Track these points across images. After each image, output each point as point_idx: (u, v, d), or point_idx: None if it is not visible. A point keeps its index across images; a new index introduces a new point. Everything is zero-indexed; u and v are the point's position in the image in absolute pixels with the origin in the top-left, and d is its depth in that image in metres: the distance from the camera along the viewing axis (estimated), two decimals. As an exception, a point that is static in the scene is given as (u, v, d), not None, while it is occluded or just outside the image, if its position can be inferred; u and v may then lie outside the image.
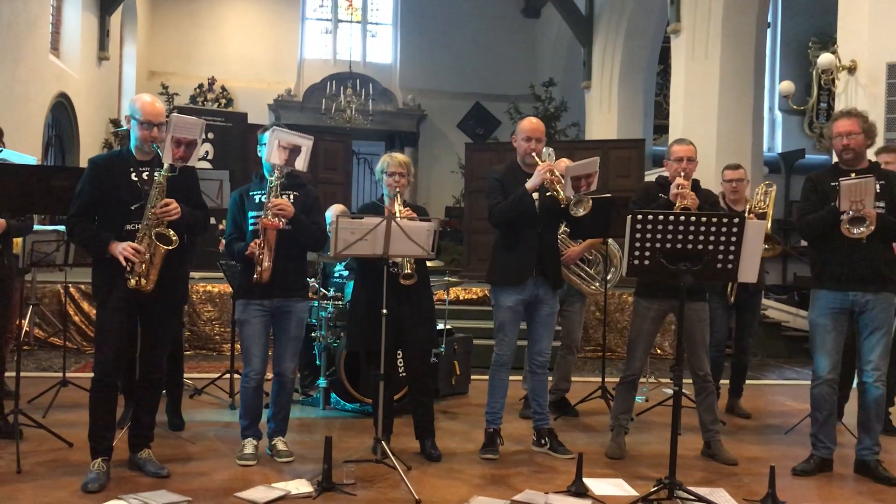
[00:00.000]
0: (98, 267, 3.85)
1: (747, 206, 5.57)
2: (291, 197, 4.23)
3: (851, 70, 7.90)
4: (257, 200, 4.23)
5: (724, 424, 5.36)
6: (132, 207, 3.76)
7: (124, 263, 3.66)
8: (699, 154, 4.74)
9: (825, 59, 8.19)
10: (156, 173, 3.75)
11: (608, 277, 5.78)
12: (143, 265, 3.68)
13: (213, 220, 7.46)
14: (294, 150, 4.11)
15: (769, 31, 13.91)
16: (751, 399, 6.21)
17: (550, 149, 4.51)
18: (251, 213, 4.23)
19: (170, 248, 3.71)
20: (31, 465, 4.02)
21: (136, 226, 3.74)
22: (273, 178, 4.10)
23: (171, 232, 3.72)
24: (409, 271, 4.27)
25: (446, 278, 6.38)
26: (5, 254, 4.37)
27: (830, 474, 4.34)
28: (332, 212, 5.17)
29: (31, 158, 4.78)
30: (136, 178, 3.80)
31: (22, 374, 4.41)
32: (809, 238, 4.43)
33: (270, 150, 4.09)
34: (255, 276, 4.07)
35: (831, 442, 4.37)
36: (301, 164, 4.15)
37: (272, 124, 4.51)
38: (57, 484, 3.75)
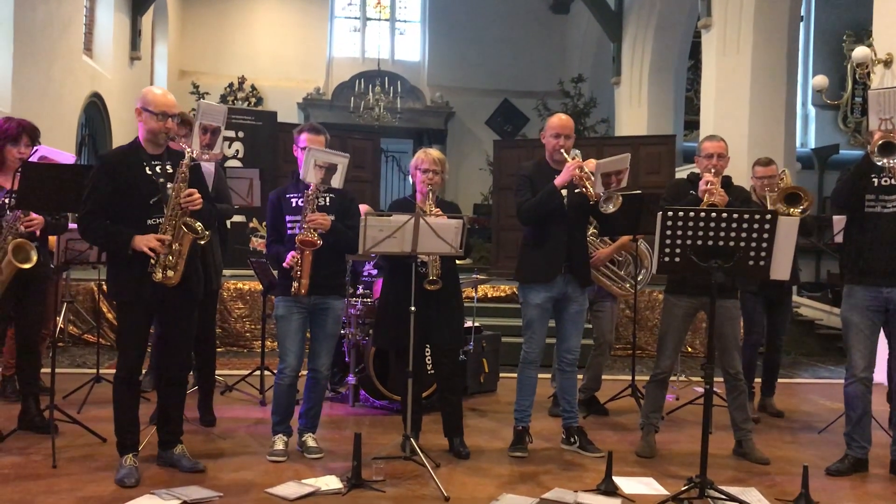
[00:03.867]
0: (116, 266, 3.84)
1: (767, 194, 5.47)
2: (328, 200, 4.25)
3: (888, 63, 7.75)
4: (294, 204, 4.25)
5: (758, 422, 5.31)
6: (151, 202, 3.75)
7: (151, 256, 3.65)
8: (731, 150, 4.69)
9: (860, 52, 8.05)
10: (157, 168, 3.78)
11: (638, 278, 5.74)
12: (171, 256, 3.69)
13: (243, 218, 7.58)
14: (330, 169, 4.13)
15: (802, 24, 13.69)
16: (783, 398, 6.14)
17: (577, 150, 4.49)
18: (288, 218, 4.26)
19: (197, 236, 3.72)
20: (67, 459, 4.09)
21: (158, 221, 3.74)
22: (309, 192, 4.12)
23: (196, 221, 3.74)
24: (434, 277, 4.27)
25: (475, 276, 6.37)
26: (42, 252, 4.43)
27: (865, 474, 4.28)
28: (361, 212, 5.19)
29: (70, 156, 4.83)
30: (150, 172, 3.79)
31: (57, 370, 4.49)
32: (842, 201, 4.28)
33: (307, 170, 4.11)
34: (292, 290, 4.11)
35: (866, 441, 4.30)
36: (337, 181, 4.17)
37: (307, 124, 4.53)
38: (92, 478, 3.81)
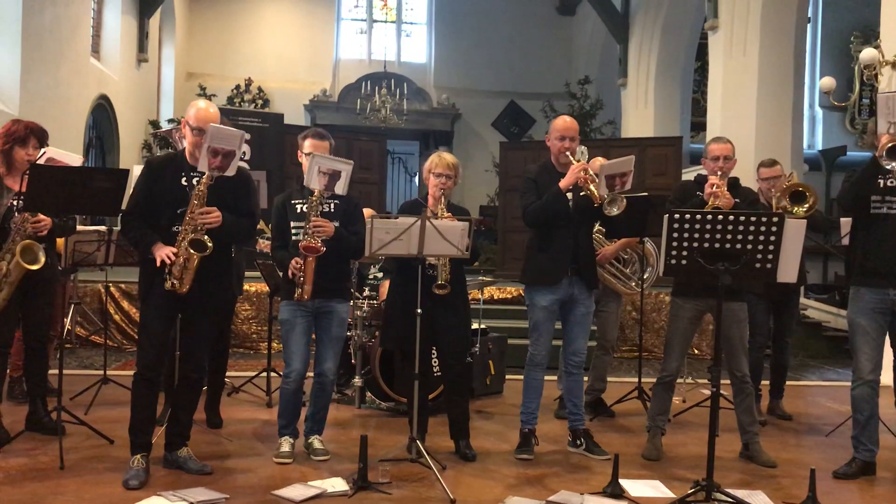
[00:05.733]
0: (142, 266, 3.94)
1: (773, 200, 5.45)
2: (332, 206, 4.26)
3: (895, 65, 7.73)
4: (299, 210, 4.25)
5: (765, 425, 5.29)
6: (178, 211, 3.83)
7: (159, 265, 3.74)
8: (738, 152, 4.68)
9: (868, 53, 8.03)
10: (194, 180, 3.84)
11: (644, 277, 5.73)
12: (178, 269, 3.75)
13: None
14: (334, 175, 4.14)
15: (809, 25, 13.65)
16: (791, 400, 6.11)
17: (584, 147, 4.48)
18: (293, 224, 4.26)
19: (203, 254, 3.76)
20: (74, 461, 4.10)
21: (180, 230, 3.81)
22: (313, 198, 4.13)
23: (207, 238, 3.77)
24: (443, 282, 4.27)
25: (480, 277, 6.37)
26: (50, 254, 4.45)
27: (873, 478, 4.26)
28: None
29: (77, 157, 4.84)
30: (185, 183, 3.88)
31: (64, 371, 4.49)
32: (848, 203, 4.25)
33: (310, 176, 4.11)
34: (295, 295, 4.12)
35: (873, 444, 4.29)
36: (341, 188, 4.17)
37: (311, 130, 4.54)
38: (99, 480, 3.82)
